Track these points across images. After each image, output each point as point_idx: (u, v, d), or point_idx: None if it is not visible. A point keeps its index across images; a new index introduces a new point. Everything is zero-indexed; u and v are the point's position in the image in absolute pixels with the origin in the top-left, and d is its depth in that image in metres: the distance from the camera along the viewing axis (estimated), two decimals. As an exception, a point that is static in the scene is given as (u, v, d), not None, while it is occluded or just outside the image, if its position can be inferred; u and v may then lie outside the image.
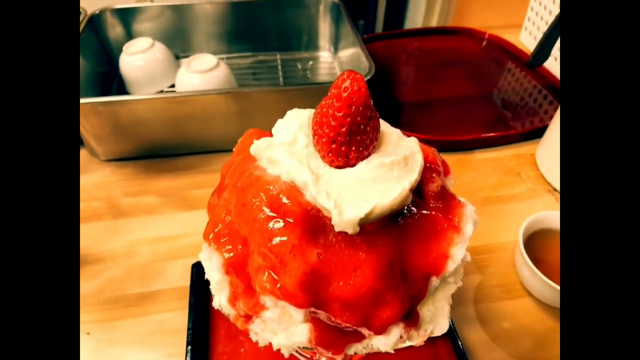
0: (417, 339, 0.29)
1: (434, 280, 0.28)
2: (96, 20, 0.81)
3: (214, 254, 0.28)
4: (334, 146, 0.25)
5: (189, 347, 0.42)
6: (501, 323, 0.46)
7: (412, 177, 0.26)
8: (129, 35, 0.84)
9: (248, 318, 0.29)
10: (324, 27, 0.86)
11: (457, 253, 0.27)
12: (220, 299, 0.31)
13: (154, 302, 0.49)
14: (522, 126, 0.69)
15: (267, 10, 0.85)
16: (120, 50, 0.77)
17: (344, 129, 0.24)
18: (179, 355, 0.44)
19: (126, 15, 0.83)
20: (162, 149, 0.68)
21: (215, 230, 0.29)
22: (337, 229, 0.25)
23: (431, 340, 0.43)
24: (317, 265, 0.24)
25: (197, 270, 0.49)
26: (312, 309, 0.26)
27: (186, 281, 0.50)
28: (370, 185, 0.25)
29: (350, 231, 0.24)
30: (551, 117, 0.70)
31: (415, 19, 1.21)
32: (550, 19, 0.79)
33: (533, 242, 0.49)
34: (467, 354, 0.40)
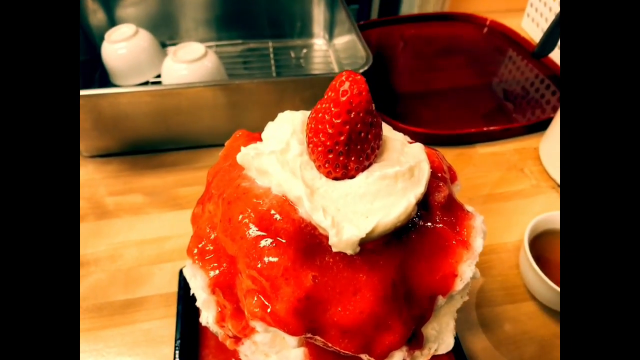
0: (421, 359, 0.27)
1: (440, 300, 0.26)
2: (75, 5, 0.76)
3: (198, 272, 0.26)
4: (331, 156, 0.23)
5: (178, 360, 0.40)
6: (504, 328, 0.44)
7: (418, 189, 0.23)
8: (112, 22, 0.80)
9: (238, 340, 0.27)
10: (318, 13, 0.82)
11: (467, 271, 0.25)
12: (207, 316, 0.29)
13: (140, 309, 0.46)
14: (525, 118, 0.67)
15: (258, -5, 0.81)
16: (102, 38, 0.72)
17: (342, 138, 0.22)
18: (167, 367, 0.41)
19: (109, 1, 0.79)
20: (148, 145, 0.65)
21: (200, 245, 0.26)
22: (334, 250, 0.22)
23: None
24: (313, 289, 0.22)
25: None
26: (308, 335, 0.23)
27: (174, 287, 0.48)
28: (372, 200, 0.22)
29: (349, 252, 0.22)
30: (554, 109, 0.68)
31: (411, 3, 1.17)
32: (554, 5, 0.76)
33: (539, 243, 0.47)
34: (470, 363, 0.39)
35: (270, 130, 0.26)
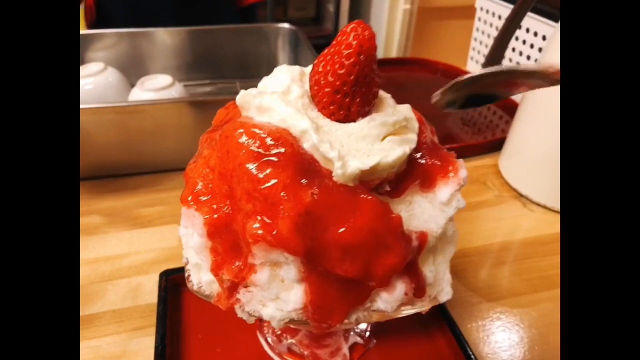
0: (423, 304, 0.27)
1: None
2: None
3: (194, 215, 0.25)
4: (338, 96, 0.25)
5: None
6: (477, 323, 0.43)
7: (412, 143, 0.26)
8: (82, 63, 0.80)
9: (232, 290, 0.25)
10: (283, 55, 0.88)
11: (462, 173, 0.27)
12: (199, 277, 0.27)
13: (89, 327, 0.42)
14: (483, 139, 0.73)
15: (225, 38, 0.86)
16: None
17: (351, 78, 0.24)
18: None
19: (79, 42, 0.80)
20: (109, 169, 0.63)
21: (195, 190, 0.26)
22: (337, 181, 0.23)
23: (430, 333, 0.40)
24: (312, 205, 0.22)
25: (166, 278, 0.44)
26: (307, 261, 0.22)
27: (128, 302, 0.44)
28: (373, 142, 0.25)
29: (350, 184, 0.24)
30: (504, 131, 0.75)
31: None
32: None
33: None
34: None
35: (267, 80, 0.28)
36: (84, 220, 0.55)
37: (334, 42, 0.25)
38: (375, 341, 0.40)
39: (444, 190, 0.26)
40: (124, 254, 0.50)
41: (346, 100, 0.24)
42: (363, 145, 0.24)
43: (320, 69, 0.25)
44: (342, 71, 0.24)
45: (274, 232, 0.22)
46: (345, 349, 0.37)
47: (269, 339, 0.39)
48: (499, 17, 0.86)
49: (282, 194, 0.22)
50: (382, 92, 0.29)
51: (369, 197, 0.23)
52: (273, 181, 0.22)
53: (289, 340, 0.38)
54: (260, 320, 0.39)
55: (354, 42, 0.23)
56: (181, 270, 0.44)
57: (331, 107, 0.25)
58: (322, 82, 0.24)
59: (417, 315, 0.41)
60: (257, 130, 0.23)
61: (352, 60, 0.23)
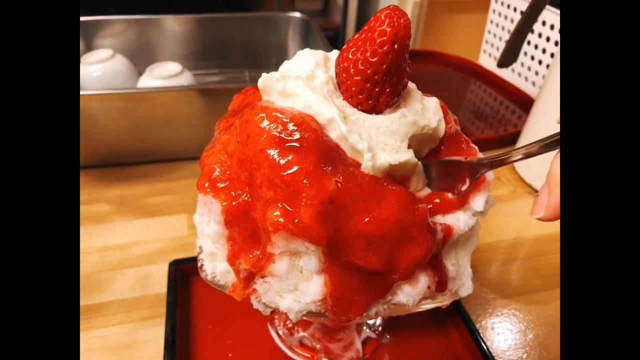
0: (444, 298, 0.26)
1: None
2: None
3: (211, 202, 0.24)
4: (368, 85, 0.23)
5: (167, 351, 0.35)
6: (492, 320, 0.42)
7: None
8: (90, 50, 0.79)
9: (249, 281, 0.24)
10: (294, 45, 0.86)
11: (489, 176, 0.26)
12: (214, 266, 0.26)
13: (97, 315, 0.41)
14: (495, 134, 0.71)
15: (235, 27, 0.84)
16: (81, 65, 0.71)
17: (383, 67, 0.23)
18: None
19: (87, 29, 0.79)
20: (118, 157, 0.62)
21: (212, 176, 0.24)
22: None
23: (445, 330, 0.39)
24: (336, 193, 0.21)
25: (176, 268, 0.43)
26: (329, 252, 0.21)
27: (137, 292, 0.44)
28: (402, 139, 0.24)
29: (379, 176, 0.23)
30: (517, 126, 0.73)
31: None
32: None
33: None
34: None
35: (290, 64, 0.26)
36: (91, 209, 0.54)
37: (365, 28, 0.23)
38: (388, 336, 0.39)
39: (479, 199, 0.26)
40: (133, 243, 0.49)
41: (376, 90, 0.23)
42: (391, 141, 0.23)
43: (350, 56, 0.23)
44: (374, 59, 0.22)
45: (296, 221, 0.21)
46: (358, 344, 0.36)
47: (280, 332, 0.38)
48: (515, 10, 0.84)
49: (304, 181, 0.21)
50: (409, 83, 0.28)
51: (395, 187, 0.22)
52: (295, 168, 0.21)
53: (301, 334, 0.37)
54: (273, 312, 0.39)
55: (389, 30, 0.22)
56: (191, 260, 0.44)
57: (360, 97, 0.24)
58: (352, 70, 0.23)
59: (431, 310, 0.41)
60: (279, 115, 0.22)
61: (385, 48, 0.22)
